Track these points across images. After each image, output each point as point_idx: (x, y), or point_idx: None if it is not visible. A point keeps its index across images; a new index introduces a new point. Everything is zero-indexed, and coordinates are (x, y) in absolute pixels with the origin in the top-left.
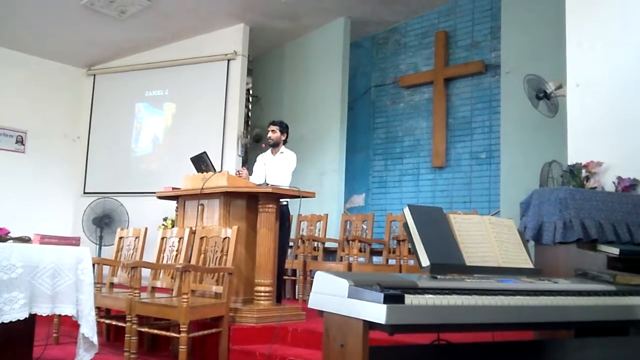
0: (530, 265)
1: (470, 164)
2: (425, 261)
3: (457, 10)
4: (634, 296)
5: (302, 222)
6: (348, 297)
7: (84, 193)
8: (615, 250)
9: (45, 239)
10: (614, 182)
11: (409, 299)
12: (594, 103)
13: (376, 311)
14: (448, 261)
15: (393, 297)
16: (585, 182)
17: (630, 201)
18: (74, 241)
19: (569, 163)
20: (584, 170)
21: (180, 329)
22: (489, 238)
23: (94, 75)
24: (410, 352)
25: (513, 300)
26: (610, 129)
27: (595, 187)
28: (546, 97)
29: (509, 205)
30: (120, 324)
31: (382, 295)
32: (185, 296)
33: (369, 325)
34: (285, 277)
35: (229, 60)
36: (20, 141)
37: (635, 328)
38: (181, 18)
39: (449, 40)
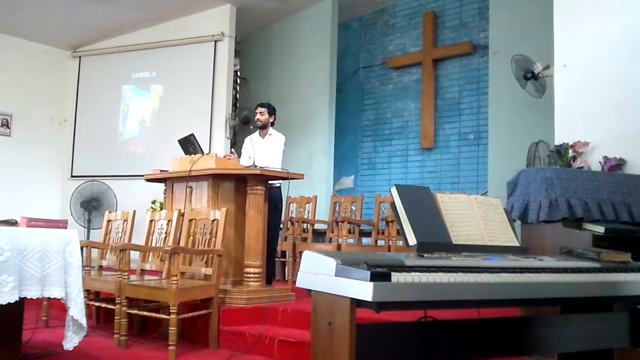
0: (516, 244)
1: (459, 145)
2: (412, 240)
3: None
4: (618, 273)
5: (291, 204)
6: (335, 275)
7: (72, 176)
8: (600, 229)
9: (32, 222)
10: (600, 162)
11: (396, 276)
12: (581, 83)
13: (363, 289)
14: (435, 240)
15: (379, 275)
16: (572, 162)
17: (616, 180)
18: (61, 224)
19: (556, 143)
20: (570, 150)
21: (170, 311)
22: (476, 217)
23: (80, 57)
24: (397, 329)
25: (499, 278)
26: (597, 109)
27: (582, 167)
28: (534, 78)
29: (496, 185)
30: (109, 306)
31: (368, 273)
32: (174, 278)
33: (356, 303)
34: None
35: (216, 42)
36: (6, 124)
37: (619, 304)
38: None
39: (437, 20)
